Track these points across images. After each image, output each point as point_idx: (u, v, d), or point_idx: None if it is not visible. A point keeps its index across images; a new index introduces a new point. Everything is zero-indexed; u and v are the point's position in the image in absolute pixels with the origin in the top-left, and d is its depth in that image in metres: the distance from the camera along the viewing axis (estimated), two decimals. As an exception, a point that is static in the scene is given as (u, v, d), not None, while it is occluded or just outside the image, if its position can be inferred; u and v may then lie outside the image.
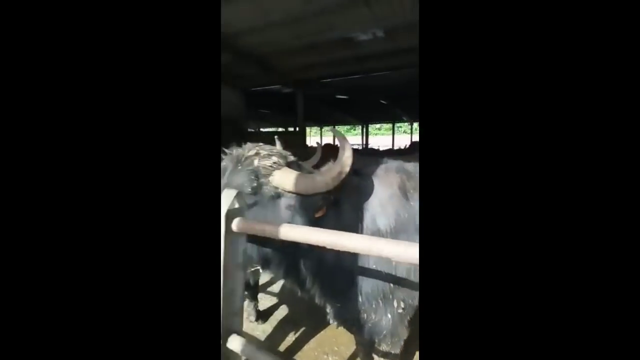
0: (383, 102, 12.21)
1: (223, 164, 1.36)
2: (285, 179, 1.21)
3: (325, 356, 2.31)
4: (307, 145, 9.50)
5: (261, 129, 19.47)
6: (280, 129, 20.44)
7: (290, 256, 1.32)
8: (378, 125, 22.63)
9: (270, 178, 1.22)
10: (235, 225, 0.96)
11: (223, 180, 1.26)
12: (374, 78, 8.79)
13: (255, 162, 1.22)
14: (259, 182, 1.22)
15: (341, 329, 2.71)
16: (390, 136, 18.36)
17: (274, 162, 1.23)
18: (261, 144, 1.32)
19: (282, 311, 2.96)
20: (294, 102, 10.33)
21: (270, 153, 1.26)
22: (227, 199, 0.98)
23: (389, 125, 22.99)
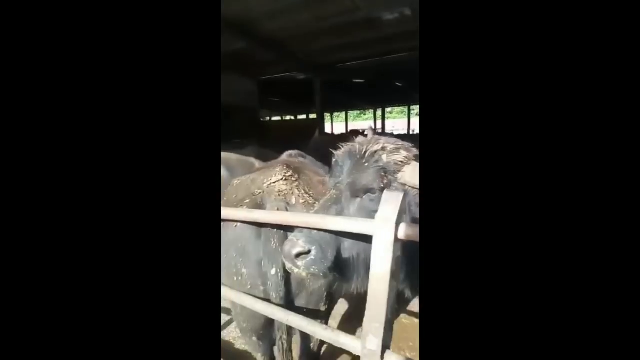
0: (398, 84, 11.91)
1: (334, 160, 1.23)
2: (417, 175, 1.07)
3: (403, 352, 2.24)
4: (326, 133, 9.29)
5: (271, 118, 19.22)
6: (289, 117, 20.18)
7: (414, 259, 1.20)
8: (389, 109, 22.14)
9: (400, 174, 1.09)
10: (402, 232, 0.84)
11: (345, 179, 1.13)
12: (392, 60, 8.49)
13: (384, 158, 1.09)
14: (389, 180, 1.08)
15: (408, 324, 2.67)
16: (404, 120, 18.01)
17: (405, 157, 1.09)
18: (381, 137, 1.18)
19: (341, 306, 2.88)
20: (309, 89, 10.07)
21: (397, 146, 1.12)
22: (395, 203, 0.85)
23: (400, 109, 22.54)
